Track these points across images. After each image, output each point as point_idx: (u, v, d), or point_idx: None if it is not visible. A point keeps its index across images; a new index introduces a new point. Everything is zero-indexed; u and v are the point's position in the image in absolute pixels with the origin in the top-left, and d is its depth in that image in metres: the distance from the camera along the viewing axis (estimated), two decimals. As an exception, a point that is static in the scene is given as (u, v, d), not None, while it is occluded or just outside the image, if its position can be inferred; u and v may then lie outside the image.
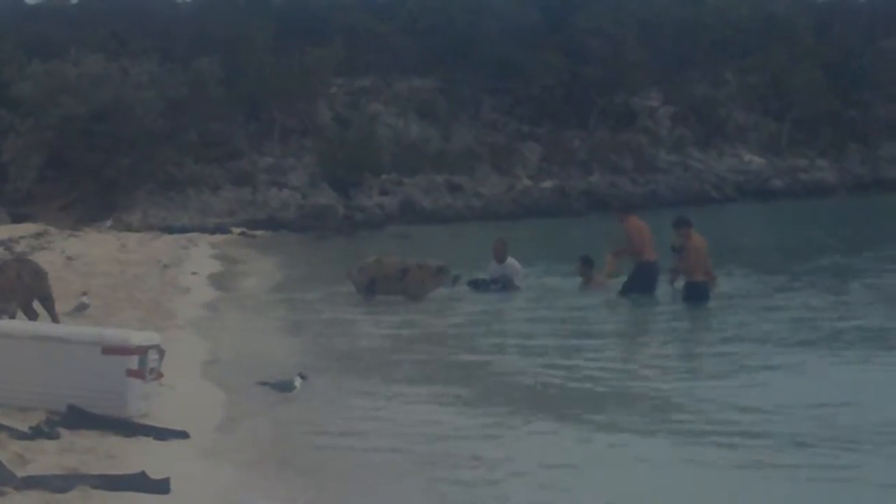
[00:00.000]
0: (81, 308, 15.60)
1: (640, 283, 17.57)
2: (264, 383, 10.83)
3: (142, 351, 9.48)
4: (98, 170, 44.60)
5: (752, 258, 23.93)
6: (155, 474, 7.52)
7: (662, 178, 56.01)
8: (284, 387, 10.62)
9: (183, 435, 9.04)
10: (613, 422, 9.79)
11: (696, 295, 16.95)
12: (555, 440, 9.29)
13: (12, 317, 12.58)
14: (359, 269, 19.28)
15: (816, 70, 60.73)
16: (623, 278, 18.17)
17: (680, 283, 17.65)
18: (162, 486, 7.42)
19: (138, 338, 9.71)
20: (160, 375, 9.87)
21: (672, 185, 55.06)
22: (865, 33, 65.31)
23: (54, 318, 13.16)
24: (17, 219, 41.16)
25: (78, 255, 26.22)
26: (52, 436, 8.56)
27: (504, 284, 19.49)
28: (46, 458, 7.93)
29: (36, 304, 13.37)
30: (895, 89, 64.23)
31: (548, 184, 53.71)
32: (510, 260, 19.89)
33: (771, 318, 15.71)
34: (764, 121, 62.11)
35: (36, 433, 8.54)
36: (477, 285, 19.69)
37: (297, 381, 10.62)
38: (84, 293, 16.56)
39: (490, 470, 8.40)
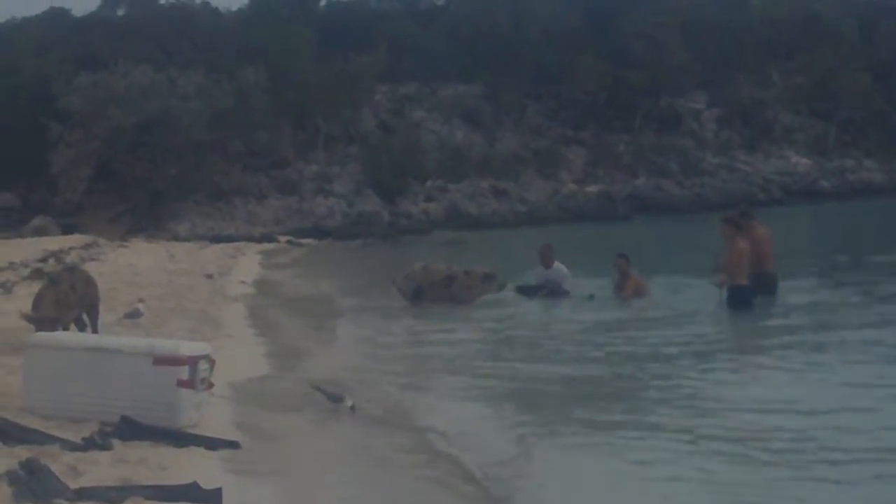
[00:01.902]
0: (135, 315, 15.66)
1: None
2: (318, 388, 10.87)
3: (192, 361, 9.53)
4: (146, 180, 45.01)
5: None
6: (207, 484, 7.56)
7: (709, 181, 55.73)
8: (336, 398, 10.66)
9: (234, 445, 9.09)
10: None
11: (738, 300, 16.70)
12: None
13: (66, 328, 12.67)
14: (404, 277, 19.29)
15: (863, 70, 60.23)
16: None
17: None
18: (214, 497, 7.45)
19: (188, 348, 9.77)
20: (211, 385, 9.92)
21: (718, 188, 54.76)
22: (912, 32, 64.72)
23: (95, 329, 13.23)
24: (66, 230, 41.51)
25: (127, 266, 26.43)
26: (105, 447, 8.62)
27: (552, 290, 19.35)
28: (99, 469, 7.98)
29: None
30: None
31: (593, 188, 53.62)
32: (557, 264, 19.73)
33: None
34: (810, 122, 61.68)
35: (89, 444, 8.60)
36: (524, 291, 19.58)
37: (349, 401, 10.66)
38: (140, 300, 16.67)
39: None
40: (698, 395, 10.98)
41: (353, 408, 10.68)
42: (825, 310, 16.26)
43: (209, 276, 25.01)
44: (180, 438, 9.05)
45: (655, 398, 11.00)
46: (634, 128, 58.62)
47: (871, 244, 29.15)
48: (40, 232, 40.59)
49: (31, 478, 7.26)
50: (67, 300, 12.88)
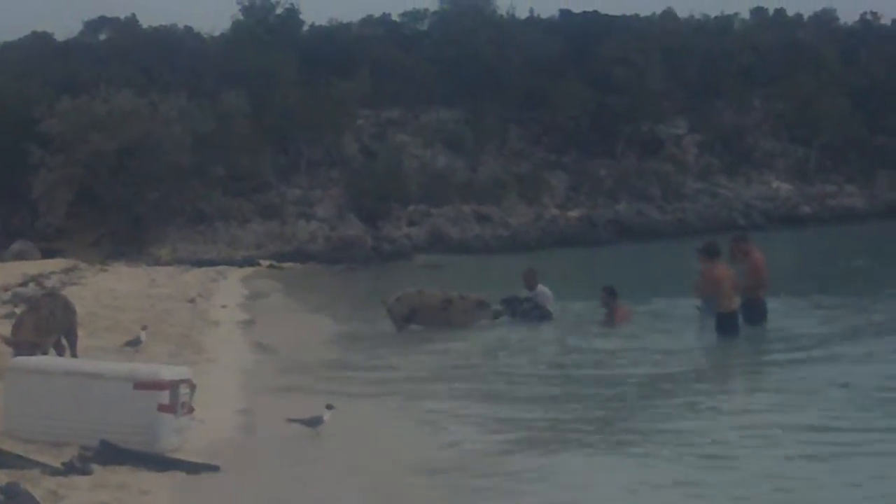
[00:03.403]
0: (135, 343, 15.59)
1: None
2: (294, 420, 10.83)
3: (173, 385, 9.52)
4: (127, 205, 44.86)
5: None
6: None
7: (690, 206, 55.88)
8: (314, 423, 10.63)
9: (214, 469, 9.06)
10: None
11: (726, 326, 16.78)
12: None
13: (45, 352, 12.62)
14: (397, 299, 19.31)
15: (843, 96, 60.63)
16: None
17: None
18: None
19: (169, 372, 9.75)
20: (191, 410, 9.89)
21: (700, 213, 54.90)
22: (892, 59, 65.11)
23: (74, 353, 13.20)
24: (47, 254, 41.32)
25: (108, 290, 26.33)
26: (85, 471, 8.59)
27: (537, 304, 19.48)
28: (79, 494, 7.95)
29: None
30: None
31: (575, 213, 53.71)
32: (541, 287, 19.88)
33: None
34: (791, 147, 61.99)
35: (69, 469, 8.57)
36: (510, 303, 19.67)
37: (327, 415, 10.63)
38: (144, 327, 16.64)
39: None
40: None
41: (330, 407, 10.67)
42: (809, 341, 16.10)
43: (192, 301, 24.94)
44: (161, 463, 9.02)
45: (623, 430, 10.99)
46: (616, 153, 58.81)
47: (855, 269, 29.23)
48: (20, 256, 40.39)
49: (12, 502, 7.22)
50: (47, 325, 12.85)
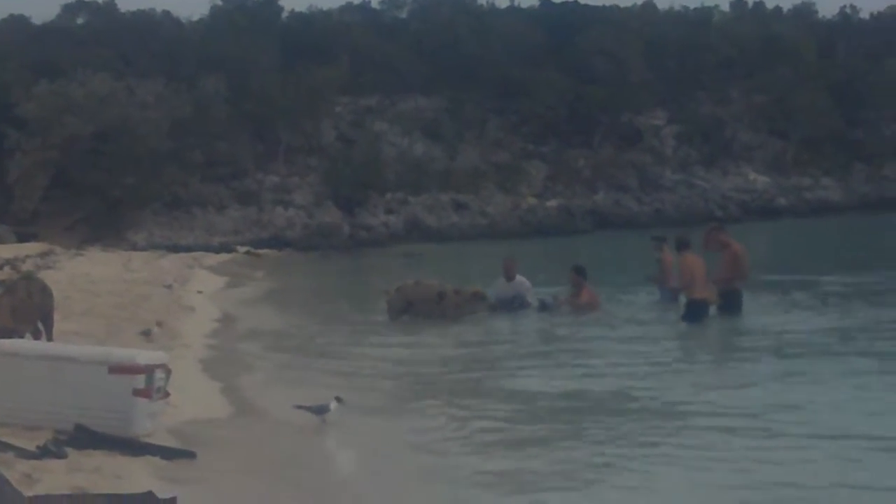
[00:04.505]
0: (146, 333, 15.81)
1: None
2: (301, 407, 10.81)
3: (148, 370, 9.46)
4: (103, 189, 44.65)
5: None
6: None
7: (667, 197, 55.99)
8: (321, 410, 10.63)
9: (190, 454, 9.02)
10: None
11: (694, 313, 16.92)
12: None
13: (21, 336, 12.53)
14: (396, 290, 19.34)
15: (821, 90, 60.81)
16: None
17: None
18: (169, 506, 7.38)
19: (144, 357, 9.70)
20: (167, 394, 9.85)
21: (677, 204, 55.03)
22: (870, 53, 65.32)
23: (50, 337, 13.12)
24: (22, 238, 41.14)
25: (83, 275, 26.22)
26: (60, 455, 8.53)
27: (520, 303, 19.51)
28: (54, 477, 7.90)
29: None
30: (899, 109, 64.31)
31: (553, 202, 53.74)
32: (519, 278, 19.90)
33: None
34: (769, 140, 62.11)
35: (43, 453, 8.52)
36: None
37: (333, 405, 10.62)
38: (158, 323, 16.86)
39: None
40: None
41: (339, 399, 10.66)
42: (780, 335, 16.05)
43: (168, 287, 24.86)
44: (135, 447, 8.97)
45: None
46: (594, 143, 58.83)
47: (830, 262, 29.31)
48: (-5, 240, 40.17)
49: (-16, 485, 7.16)
50: (24, 308, 12.76)
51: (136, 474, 8.26)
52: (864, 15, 72.72)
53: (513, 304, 19.45)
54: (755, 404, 11.01)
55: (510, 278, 19.87)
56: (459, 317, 18.91)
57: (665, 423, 10.38)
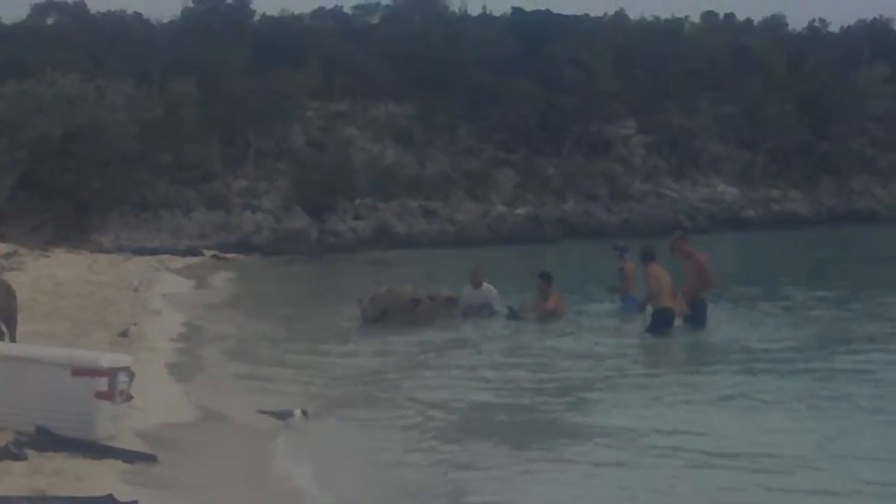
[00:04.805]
0: (124, 334, 15.75)
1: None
2: (265, 412, 10.79)
3: (111, 373, 9.40)
4: (71, 191, 44.38)
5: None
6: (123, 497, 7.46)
7: (636, 207, 56.19)
8: (285, 416, 10.60)
9: (151, 458, 8.97)
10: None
11: (659, 323, 16.93)
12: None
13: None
14: (371, 299, 19.35)
15: (790, 102, 61.21)
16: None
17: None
18: (130, 510, 7.35)
19: (108, 360, 9.63)
20: (130, 398, 9.79)
21: (646, 214, 55.23)
22: (838, 66, 65.81)
23: (13, 338, 13.02)
24: (-12, 239, 40.81)
25: (48, 276, 26.05)
26: (20, 457, 8.47)
27: (488, 311, 19.54)
28: (14, 479, 7.84)
29: None
30: (867, 122, 64.81)
31: (522, 210, 53.82)
32: (486, 285, 19.94)
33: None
34: (738, 151, 62.44)
35: (3, 454, 8.45)
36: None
37: (298, 413, 10.59)
38: (134, 323, 16.79)
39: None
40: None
41: (305, 413, 10.63)
42: (742, 348, 15.96)
43: (135, 290, 24.74)
44: (97, 450, 8.91)
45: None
46: (564, 152, 58.98)
47: (795, 274, 29.47)
48: (-39, 240, 39.84)
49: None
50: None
51: (98, 477, 8.20)
52: (834, 28, 73.47)
53: (480, 312, 19.49)
54: (661, 425, 10.60)
55: (477, 286, 19.91)
56: (433, 320, 18.95)
57: (554, 442, 10.21)
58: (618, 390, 12.76)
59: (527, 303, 19.69)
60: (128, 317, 18.84)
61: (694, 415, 11.13)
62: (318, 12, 67.48)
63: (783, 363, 14.01)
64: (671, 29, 69.21)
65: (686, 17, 72.59)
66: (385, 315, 19.02)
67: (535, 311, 19.26)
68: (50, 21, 61.03)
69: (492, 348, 16.52)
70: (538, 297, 19.46)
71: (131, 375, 9.77)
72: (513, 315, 19.18)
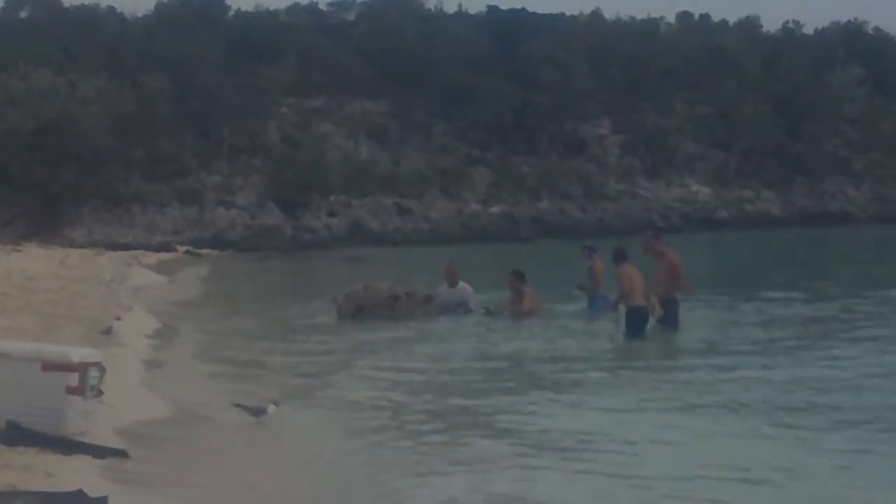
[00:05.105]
0: (107, 331, 15.65)
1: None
2: (239, 406, 10.71)
3: (82, 368, 9.29)
4: (43, 185, 44.11)
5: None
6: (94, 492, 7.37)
7: (611, 206, 56.31)
8: (258, 411, 10.52)
9: (122, 454, 8.87)
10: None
11: (633, 321, 16.94)
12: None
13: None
14: (345, 297, 19.29)
15: (764, 103, 61.46)
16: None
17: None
18: (100, 506, 7.26)
19: (78, 354, 9.52)
20: (101, 393, 9.68)
21: (620, 214, 55.36)
22: (812, 68, 66.14)
23: None
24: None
25: (19, 271, 25.87)
26: (-11, 452, 8.37)
27: (464, 309, 19.51)
28: (-18, 474, 7.74)
29: None
30: (841, 124, 65.12)
31: (496, 209, 53.82)
32: (462, 284, 19.91)
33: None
34: (712, 152, 62.64)
35: (-28, 449, 8.35)
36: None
37: (271, 408, 10.51)
38: (117, 318, 16.69)
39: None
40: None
41: (276, 404, 10.55)
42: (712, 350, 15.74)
43: (107, 285, 24.60)
44: (67, 446, 8.82)
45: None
46: (539, 151, 59.01)
47: (767, 275, 29.54)
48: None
49: None
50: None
51: (68, 472, 8.11)
52: (808, 30, 73.79)
53: (456, 311, 19.45)
54: (587, 428, 10.41)
55: (453, 284, 19.87)
56: (410, 317, 18.91)
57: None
58: (568, 392, 12.57)
59: (502, 302, 19.65)
60: (99, 312, 18.71)
61: (634, 420, 10.85)
62: (294, 8, 67.25)
63: (751, 369, 13.88)
64: (647, 29, 69.36)
65: (661, 17, 72.85)
66: (361, 312, 18.97)
67: (511, 310, 19.20)
68: (23, 14, 60.62)
69: (458, 347, 16.45)
70: (512, 295, 19.43)
71: (102, 371, 9.67)
72: (489, 313, 19.15)
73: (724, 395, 11.75)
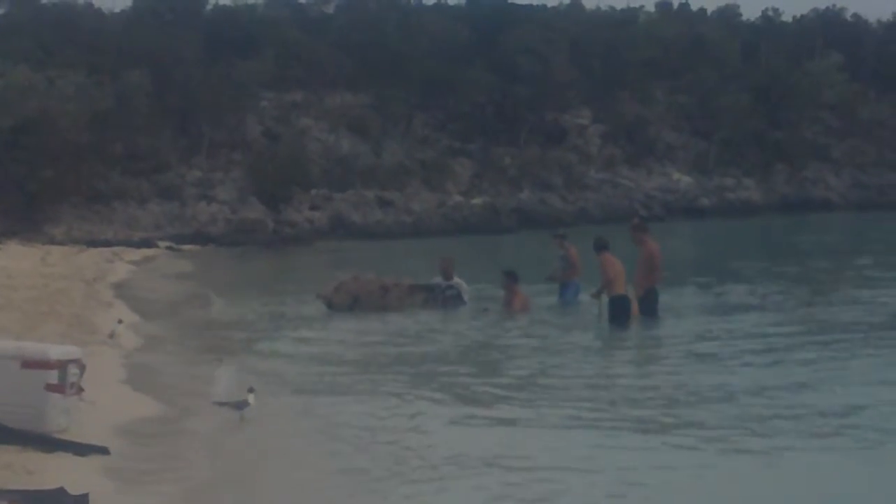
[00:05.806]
0: (111, 335, 15.58)
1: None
2: (220, 403, 10.70)
3: (61, 365, 9.26)
4: (22, 182, 43.88)
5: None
6: (74, 490, 7.35)
7: (592, 196, 56.33)
8: (240, 406, 10.51)
9: (103, 451, 8.84)
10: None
11: (616, 310, 17.02)
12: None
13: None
14: (335, 289, 19.27)
15: (743, 91, 61.59)
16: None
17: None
18: (81, 502, 7.24)
19: (58, 352, 9.49)
20: (81, 390, 9.66)
21: (601, 203, 55.38)
22: (791, 55, 66.27)
23: None
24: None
25: (0, 268, 25.75)
26: (-31, 451, 8.33)
27: (459, 302, 19.59)
28: (-38, 473, 7.71)
29: None
30: (820, 111, 65.30)
31: (478, 200, 53.76)
32: (457, 278, 19.96)
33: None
34: (692, 140, 62.75)
35: (-49, 448, 8.32)
36: (431, 290, 19.71)
37: (251, 398, 10.50)
38: (119, 320, 16.59)
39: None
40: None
41: (252, 390, 10.54)
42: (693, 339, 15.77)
43: (89, 282, 24.51)
44: (48, 443, 8.79)
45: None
46: (520, 141, 58.99)
47: (748, 263, 29.58)
48: None
49: None
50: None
51: (49, 470, 8.09)
52: (787, 18, 73.96)
53: (449, 303, 19.53)
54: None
55: (448, 278, 19.93)
56: (402, 308, 19.08)
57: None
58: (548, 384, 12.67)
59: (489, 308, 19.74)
60: (81, 309, 18.65)
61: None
62: (273, 1, 67.05)
63: (731, 359, 13.90)
64: (626, 18, 69.39)
65: (641, 6, 72.94)
66: (356, 303, 19.01)
67: (503, 309, 19.23)
68: (1, 11, 60.29)
69: (442, 339, 16.49)
70: (505, 295, 19.45)
71: (82, 368, 9.64)
72: (484, 310, 19.28)
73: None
